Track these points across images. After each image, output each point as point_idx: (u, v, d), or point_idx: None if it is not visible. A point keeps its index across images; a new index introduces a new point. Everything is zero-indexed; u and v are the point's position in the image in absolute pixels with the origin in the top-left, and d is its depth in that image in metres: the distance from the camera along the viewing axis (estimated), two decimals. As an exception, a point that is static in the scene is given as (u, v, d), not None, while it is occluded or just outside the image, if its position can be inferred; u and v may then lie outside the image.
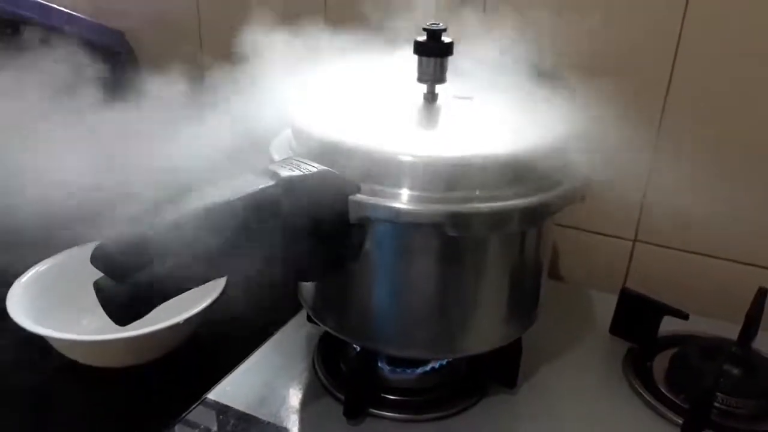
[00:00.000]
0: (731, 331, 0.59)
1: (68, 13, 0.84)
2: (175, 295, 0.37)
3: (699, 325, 0.61)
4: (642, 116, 0.64)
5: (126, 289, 0.35)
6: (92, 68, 0.90)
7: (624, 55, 0.63)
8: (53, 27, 0.84)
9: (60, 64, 0.86)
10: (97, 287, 0.35)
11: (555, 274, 0.75)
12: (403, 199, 0.43)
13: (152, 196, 0.44)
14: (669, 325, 0.58)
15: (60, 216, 0.57)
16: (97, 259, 0.33)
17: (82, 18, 0.86)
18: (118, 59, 0.92)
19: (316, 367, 0.56)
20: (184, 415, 0.50)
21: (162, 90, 0.84)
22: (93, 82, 0.88)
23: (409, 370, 0.53)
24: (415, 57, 0.49)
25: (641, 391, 0.54)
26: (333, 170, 0.42)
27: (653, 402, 0.52)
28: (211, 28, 0.84)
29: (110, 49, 0.91)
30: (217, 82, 0.82)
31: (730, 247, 0.65)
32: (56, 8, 0.83)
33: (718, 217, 0.64)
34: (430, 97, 0.51)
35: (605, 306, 0.62)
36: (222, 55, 0.82)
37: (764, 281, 0.62)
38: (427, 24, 0.47)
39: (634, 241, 0.70)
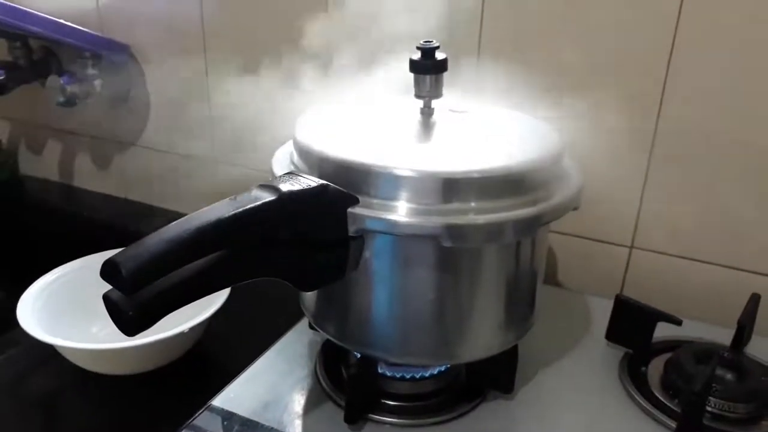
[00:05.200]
0: (726, 336, 0.60)
1: (74, 27, 0.86)
2: (181, 306, 0.39)
3: (694, 331, 0.62)
4: (636, 125, 0.65)
5: (134, 301, 0.36)
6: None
7: (619, 64, 0.64)
8: (60, 41, 0.86)
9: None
10: (107, 300, 0.37)
11: (553, 281, 0.76)
12: (400, 212, 0.44)
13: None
14: (664, 331, 0.59)
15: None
16: (106, 274, 0.35)
17: (88, 32, 0.88)
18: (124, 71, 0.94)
19: (318, 373, 0.57)
20: (189, 421, 0.52)
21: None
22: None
23: (408, 376, 0.54)
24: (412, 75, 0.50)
25: (636, 396, 0.55)
26: (332, 184, 0.44)
27: (648, 407, 0.53)
28: (215, 40, 0.85)
29: (116, 62, 0.93)
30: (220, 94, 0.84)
31: (725, 253, 0.66)
32: (63, 23, 0.84)
33: (713, 223, 0.66)
34: (427, 112, 0.52)
35: (602, 312, 0.63)
36: (226, 67, 0.84)
37: (757, 287, 0.63)
38: (422, 42, 0.49)
39: (631, 247, 0.71)
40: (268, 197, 0.41)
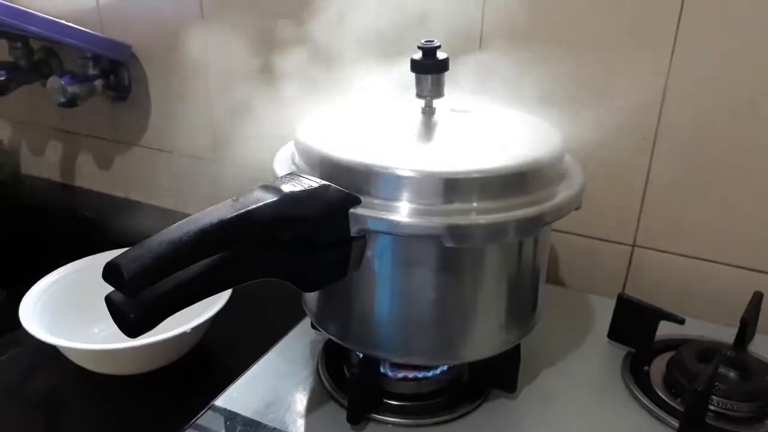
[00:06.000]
0: (729, 334, 0.60)
1: (75, 27, 0.86)
2: (184, 308, 0.39)
3: (696, 329, 0.62)
4: (639, 123, 0.65)
5: (136, 303, 0.36)
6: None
7: (621, 62, 0.64)
8: (61, 41, 0.86)
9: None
10: (109, 301, 0.37)
11: (555, 280, 0.76)
12: (402, 212, 0.44)
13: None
14: (667, 329, 0.59)
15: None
16: (109, 276, 0.35)
17: (88, 32, 0.88)
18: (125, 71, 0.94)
19: (320, 373, 0.57)
20: (193, 421, 0.52)
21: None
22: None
23: (411, 376, 0.54)
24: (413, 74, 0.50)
25: (639, 395, 0.55)
26: (334, 184, 0.44)
27: (650, 406, 0.53)
28: (216, 40, 0.85)
29: (117, 62, 0.93)
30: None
31: (728, 251, 0.66)
32: (64, 23, 0.84)
33: (715, 221, 0.66)
34: (428, 112, 0.52)
35: (605, 311, 0.63)
36: (227, 67, 0.84)
37: (760, 285, 0.63)
38: (423, 42, 0.49)
39: (633, 246, 0.71)
40: (269, 198, 0.41)
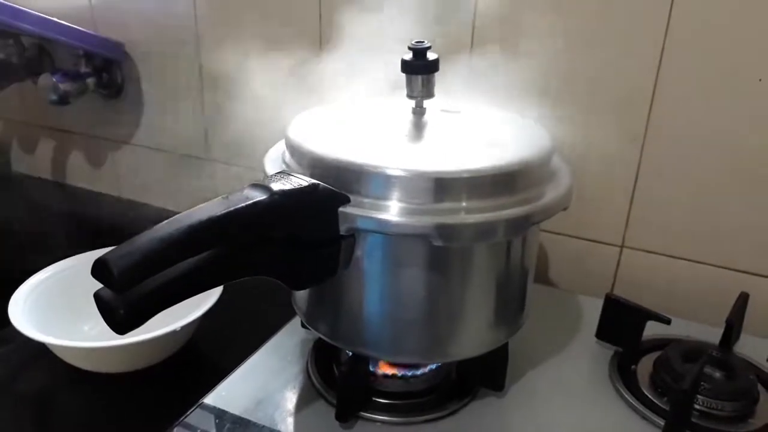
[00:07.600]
0: (715, 334, 0.60)
1: (68, 25, 0.86)
2: (173, 305, 0.39)
3: (683, 329, 0.62)
4: (627, 126, 0.66)
5: (126, 299, 0.36)
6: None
7: (610, 66, 0.65)
8: (53, 39, 0.86)
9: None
10: (98, 298, 0.37)
11: (545, 280, 0.76)
12: (391, 211, 0.44)
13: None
14: (654, 329, 0.59)
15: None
16: (97, 272, 0.35)
17: (81, 30, 0.87)
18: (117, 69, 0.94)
19: (310, 371, 0.57)
20: (181, 419, 0.52)
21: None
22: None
23: (399, 375, 0.55)
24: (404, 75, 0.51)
25: (625, 394, 0.55)
26: (324, 183, 0.44)
27: (637, 405, 0.54)
28: (209, 38, 0.85)
29: (110, 60, 0.93)
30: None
31: (714, 252, 0.67)
32: (56, 21, 0.84)
33: (702, 223, 0.66)
34: (419, 112, 0.53)
35: (593, 311, 0.63)
36: (219, 66, 0.84)
37: (746, 286, 0.64)
38: (413, 42, 0.49)
39: (622, 246, 0.71)
40: (259, 196, 0.41)
